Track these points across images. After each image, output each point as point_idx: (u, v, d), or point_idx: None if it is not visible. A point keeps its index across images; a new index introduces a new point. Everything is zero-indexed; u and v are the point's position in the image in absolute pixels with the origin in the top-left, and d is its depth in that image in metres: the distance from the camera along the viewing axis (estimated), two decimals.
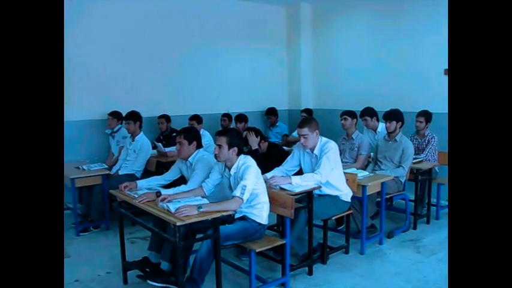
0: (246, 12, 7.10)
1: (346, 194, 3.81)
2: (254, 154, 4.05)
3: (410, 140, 4.84)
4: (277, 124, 7.15)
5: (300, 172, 3.85)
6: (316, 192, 3.68)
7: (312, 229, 3.62)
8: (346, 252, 4.10)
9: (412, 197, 4.85)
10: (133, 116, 5.12)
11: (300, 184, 3.49)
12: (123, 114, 5.36)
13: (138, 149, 5.10)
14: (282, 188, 3.46)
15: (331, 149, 3.65)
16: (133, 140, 5.16)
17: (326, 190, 3.72)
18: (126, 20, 5.90)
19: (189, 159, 3.63)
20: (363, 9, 6.65)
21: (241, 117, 6.49)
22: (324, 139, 3.75)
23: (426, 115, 5.06)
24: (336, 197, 3.77)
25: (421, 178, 4.76)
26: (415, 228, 4.75)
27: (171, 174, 3.78)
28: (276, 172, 3.78)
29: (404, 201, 4.68)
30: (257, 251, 3.14)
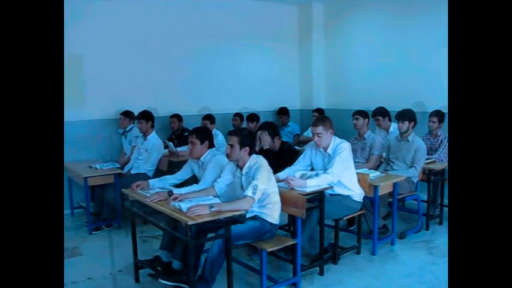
0: (258, 12, 7.09)
1: (358, 194, 3.80)
2: (265, 154, 4.05)
3: (423, 140, 4.79)
4: (288, 124, 7.12)
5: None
6: (328, 192, 3.68)
7: (323, 229, 3.61)
8: (358, 253, 4.08)
9: (425, 198, 4.81)
10: (146, 116, 5.16)
11: (313, 186, 3.48)
12: (135, 114, 5.41)
13: (150, 148, 5.13)
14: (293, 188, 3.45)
15: (345, 149, 3.66)
16: (145, 140, 5.19)
17: (338, 190, 3.72)
18: (139, 19, 5.93)
19: (201, 158, 3.65)
20: (375, 8, 6.60)
21: (253, 117, 6.50)
22: (338, 139, 3.76)
23: (439, 115, 4.99)
24: (348, 197, 3.76)
25: (433, 179, 4.71)
26: (427, 229, 4.70)
27: (183, 174, 3.81)
28: (288, 172, 3.79)
29: (416, 202, 4.64)
30: (268, 250, 3.14)
